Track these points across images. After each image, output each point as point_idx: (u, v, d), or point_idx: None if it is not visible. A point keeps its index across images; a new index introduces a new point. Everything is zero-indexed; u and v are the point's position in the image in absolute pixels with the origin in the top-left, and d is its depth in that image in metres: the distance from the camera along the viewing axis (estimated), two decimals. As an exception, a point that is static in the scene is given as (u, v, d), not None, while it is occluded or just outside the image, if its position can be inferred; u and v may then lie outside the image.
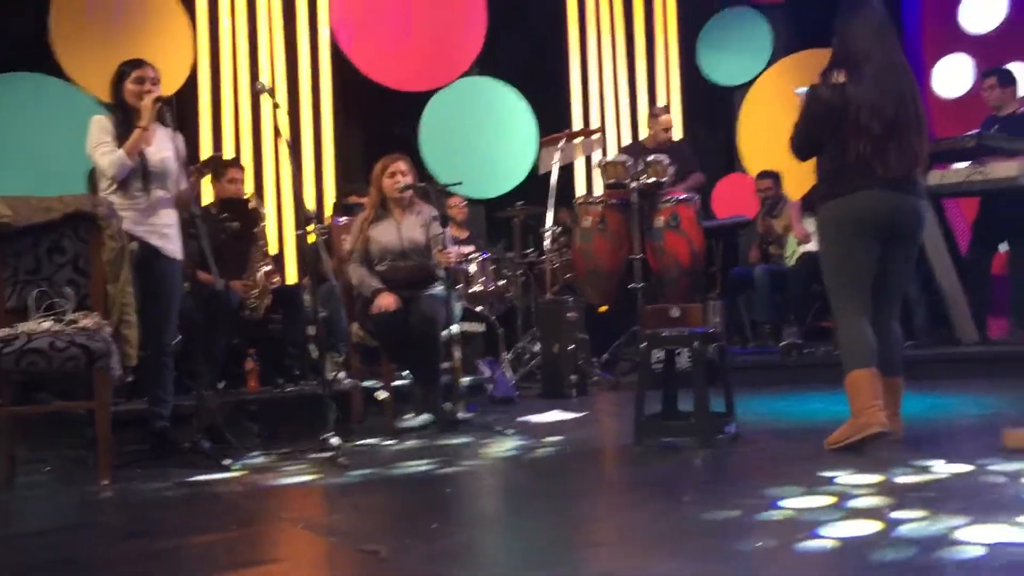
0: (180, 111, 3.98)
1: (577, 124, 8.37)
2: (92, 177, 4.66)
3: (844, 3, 3.61)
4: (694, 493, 2.86)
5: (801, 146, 3.64)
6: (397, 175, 4.68)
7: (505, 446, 3.93)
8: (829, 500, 2.57)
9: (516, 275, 6.75)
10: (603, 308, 6.71)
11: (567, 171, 7.77)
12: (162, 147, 3.93)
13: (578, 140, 7.21)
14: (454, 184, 6.52)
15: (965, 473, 2.85)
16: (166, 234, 3.96)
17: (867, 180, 3.41)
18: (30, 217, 3.57)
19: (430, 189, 4.78)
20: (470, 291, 6.21)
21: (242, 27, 7.17)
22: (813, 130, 3.56)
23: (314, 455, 3.72)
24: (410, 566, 2.15)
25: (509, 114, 8.05)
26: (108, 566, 2.38)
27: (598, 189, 7.52)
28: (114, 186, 3.86)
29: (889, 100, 3.40)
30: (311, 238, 4.08)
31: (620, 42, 8.77)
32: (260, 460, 3.77)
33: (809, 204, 6.66)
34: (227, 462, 3.62)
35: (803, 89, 3.79)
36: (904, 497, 2.55)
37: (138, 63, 3.97)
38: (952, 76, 7.79)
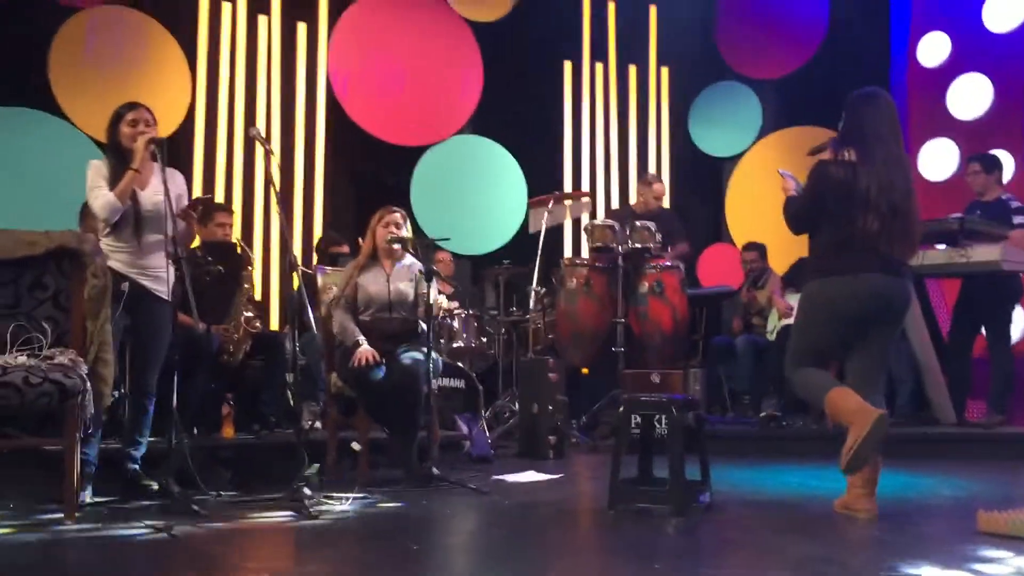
0: (174, 153, 4.03)
1: (567, 186, 8.47)
2: (83, 213, 4.69)
3: (860, 90, 3.71)
4: (665, 560, 2.83)
5: (800, 219, 3.71)
6: (391, 226, 4.72)
7: (478, 504, 3.89)
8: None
9: (499, 333, 6.75)
10: (585, 370, 6.71)
11: (555, 232, 7.83)
12: (158, 191, 3.91)
13: (567, 202, 7.28)
14: (443, 239, 6.57)
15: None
16: (157, 276, 3.97)
17: (872, 261, 3.50)
18: (14, 250, 3.57)
19: (416, 243, 4.81)
20: (452, 346, 6.20)
21: (240, 73, 7.25)
22: (817, 205, 3.61)
23: (285, 504, 3.68)
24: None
25: (500, 173, 8.14)
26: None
27: (585, 252, 7.56)
28: (107, 230, 3.87)
29: (896, 186, 3.51)
30: (295, 286, 4.09)
31: (613, 108, 8.92)
32: (230, 506, 3.71)
33: (790, 279, 6.73)
34: (196, 507, 3.57)
35: (786, 172, 3.89)
36: None
37: (133, 106, 4.01)
38: (937, 160, 7.92)
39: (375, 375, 4.41)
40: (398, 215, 4.78)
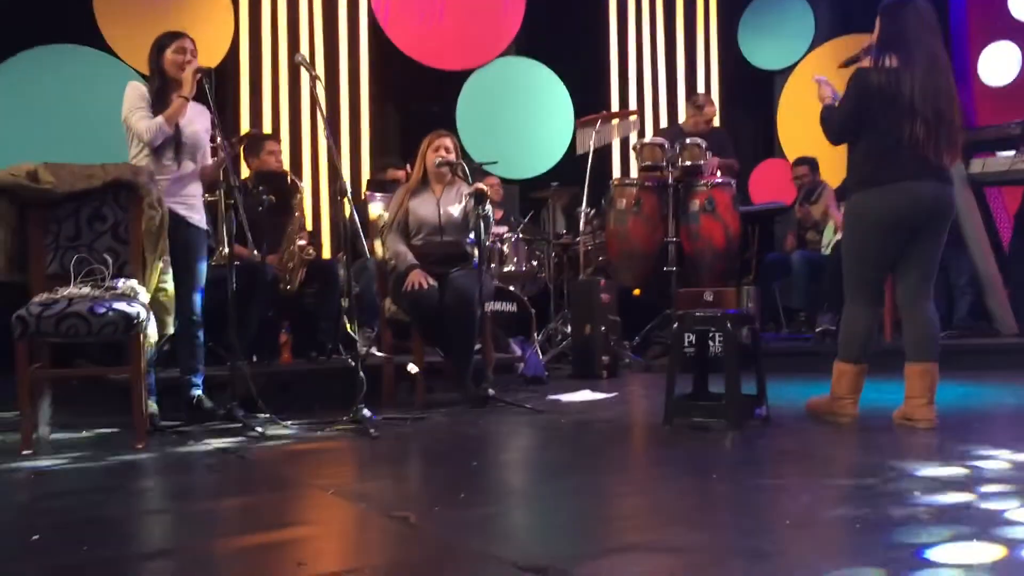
0: (219, 84, 4.04)
1: (614, 105, 8.34)
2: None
3: None
4: (722, 471, 2.85)
5: (841, 130, 3.65)
6: (441, 150, 4.72)
7: (535, 423, 3.94)
8: (867, 480, 2.55)
9: (550, 256, 6.74)
10: (636, 291, 6.69)
11: (604, 152, 7.74)
12: (194, 120, 4.02)
13: (615, 121, 7.18)
14: (490, 163, 6.54)
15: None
16: (192, 204, 4.06)
17: (915, 168, 3.44)
18: (72, 184, 3.62)
19: (463, 168, 4.79)
20: (503, 270, 6.22)
21: (282, 3, 7.20)
22: (858, 113, 3.54)
23: (345, 426, 3.76)
24: (438, 534, 2.17)
25: (546, 95, 8.03)
26: (139, 527, 2.42)
27: (634, 171, 7.48)
28: (145, 152, 3.91)
29: (940, 92, 3.44)
30: (347, 212, 4.11)
31: (660, 24, 8.71)
32: (292, 429, 3.81)
33: (843, 192, 6.60)
34: (260, 430, 3.67)
35: (823, 77, 3.79)
36: (933, 483, 2.53)
37: (177, 35, 4.03)
38: (998, 64, 7.64)
39: (429, 298, 4.44)
40: (447, 139, 4.77)
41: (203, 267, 4.07)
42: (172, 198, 3.94)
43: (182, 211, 3.99)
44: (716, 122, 7.20)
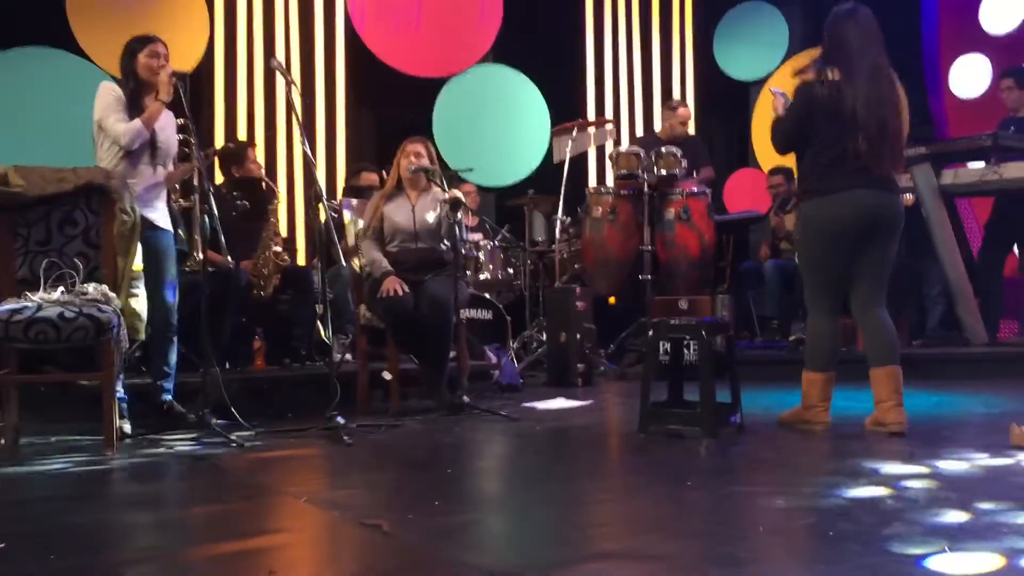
0: (194, 89, 4.01)
1: (591, 114, 8.37)
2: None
3: (838, 6, 3.69)
4: (697, 478, 2.85)
5: (785, 141, 3.74)
6: (411, 156, 4.71)
7: (509, 431, 3.93)
8: (840, 487, 2.56)
9: (525, 263, 6.75)
10: (611, 299, 6.71)
11: (580, 161, 7.76)
12: (166, 126, 4.02)
13: (591, 130, 7.20)
14: (466, 170, 6.54)
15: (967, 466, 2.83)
16: (158, 207, 4.05)
17: (859, 179, 3.51)
18: (43, 188, 3.59)
19: (438, 173, 4.78)
20: (479, 278, 6.21)
21: (258, 7, 7.17)
22: (802, 126, 3.62)
23: (320, 433, 3.73)
24: (412, 542, 2.15)
25: (523, 103, 8.05)
26: (111, 534, 2.39)
27: (610, 180, 7.51)
28: (118, 155, 3.87)
29: (884, 102, 3.51)
30: (322, 218, 4.09)
31: (636, 33, 8.76)
32: (265, 436, 3.77)
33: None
34: (232, 437, 3.63)
35: (778, 89, 3.86)
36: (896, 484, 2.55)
37: (150, 38, 4.01)
38: (969, 76, 7.74)
39: (404, 305, 4.43)
40: (420, 145, 4.77)
41: (173, 269, 4.05)
42: (141, 202, 3.90)
43: (149, 214, 3.96)
44: (691, 130, 7.23)
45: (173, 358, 4.04)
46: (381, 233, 4.71)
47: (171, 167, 4.10)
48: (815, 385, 3.65)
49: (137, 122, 3.83)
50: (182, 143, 4.12)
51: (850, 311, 3.72)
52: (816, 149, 3.59)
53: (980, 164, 5.81)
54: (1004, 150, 5.70)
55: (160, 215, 4.04)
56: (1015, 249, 6.14)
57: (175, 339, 4.03)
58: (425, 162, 4.71)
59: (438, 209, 4.70)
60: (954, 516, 2.21)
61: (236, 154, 5.27)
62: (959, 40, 7.82)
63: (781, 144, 3.76)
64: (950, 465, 2.85)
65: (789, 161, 6.93)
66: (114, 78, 4.20)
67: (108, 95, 3.91)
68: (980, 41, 7.73)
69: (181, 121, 4.04)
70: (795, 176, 6.85)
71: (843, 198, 3.52)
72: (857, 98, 3.47)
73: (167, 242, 4.05)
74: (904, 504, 2.35)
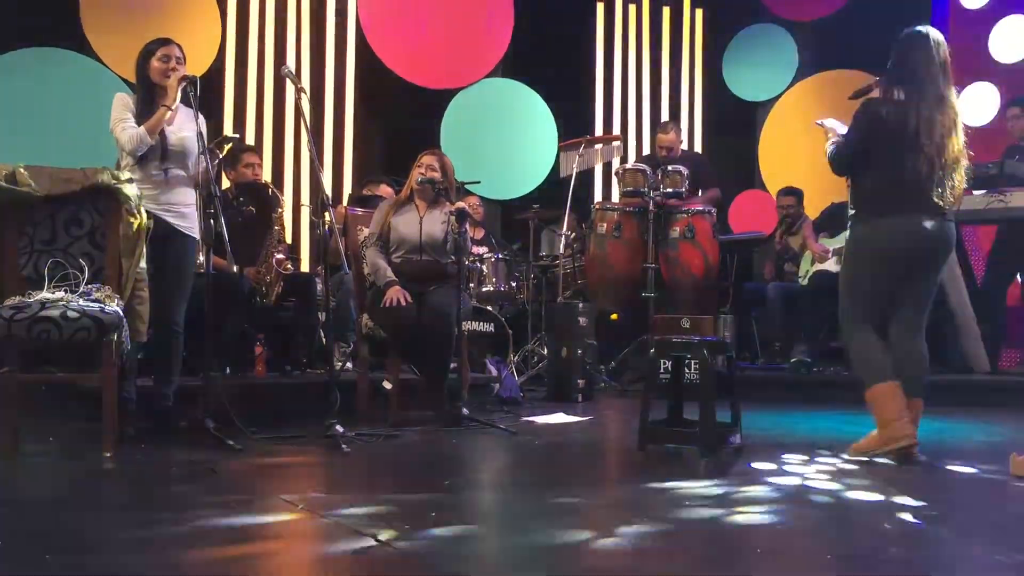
0: (204, 93, 4.00)
1: (598, 130, 8.39)
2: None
3: (912, 28, 3.62)
4: (695, 498, 2.84)
5: (849, 162, 3.61)
6: (424, 168, 4.71)
7: (508, 444, 3.93)
8: (839, 508, 2.56)
9: (528, 277, 6.75)
10: (614, 315, 6.70)
11: (586, 176, 7.77)
12: (183, 127, 3.95)
13: (598, 146, 7.21)
14: (472, 183, 6.55)
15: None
16: (183, 212, 3.98)
17: (918, 203, 3.44)
18: (50, 188, 3.58)
19: (447, 186, 4.78)
20: (482, 290, 6.21)
21: (270, 14, 7.21)
22: (866, 145, 3.53)
23: (318, 441, 3.73)
24: (407, 553, 2.15)
25: (531, 117, 8.07)
26: (105, 536, 2.38)
27: (616, 196, 7.52)
28: (132, 162, 3.87)
29: (946, 128, 3.44)
30: (326, 225, 4.09)
31: (646, 51, 8.79)
32: (263, 443, 3.77)
33: (822, 224, 6.65)
34: (230, 442, 3.62)
35: (827, 121, 3.79)
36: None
37: (165, 41, 3.99)
38: (977, 104, 7.75)
39: (406, 315, 4.43)
40: (434, 158, 4.77)
41: (190, 276, 4.01)
42: (160, 206, 3.89)
43: (170, 219, 3.93)
44: (699, 148, 7.21)
45: (177, 364, 4.03)
46: (387, 242, 4.71)
47: (201, 166, 3.96)
48: (887, 397, 3.44)
49: (141, 129, 3.82)
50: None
51: (887, 335, 3.60)
52: (875, 170, 3.52)
53: (985, 192, 5.80)
54: (1010, 178, 5.71)
55: (182, 219, 3.96)
56: (1019, 278, 6.13)
57: (179, 344, 4.02)
58: (436, 175, 4.70)
59: (447, 224, 4.69)
60: (938, 537, 2.20)
61: (230, 155, 5.24)
62: (968, 68, 7.83)
63: (845, 166, 3.63)
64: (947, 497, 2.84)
65: (796, 183, 7.00)
66: (128, 83, 4.20)
67: (118, 103, 3.90)
68: (989, 70, 7.75)
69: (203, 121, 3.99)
70: (803, 199, 6.92)
71: (901, 222, 3.46)
72: (921, 122, 3.42)
73: (186, 248, 3.97)
74: (899, 526, 2.34)
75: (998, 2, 7.80)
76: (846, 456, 3.52)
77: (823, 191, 6.71)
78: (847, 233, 6.10)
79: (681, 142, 7.04)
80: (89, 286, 3.52)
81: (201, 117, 4.01)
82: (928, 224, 3.46)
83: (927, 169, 3.42)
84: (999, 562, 2.08)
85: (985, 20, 7.82)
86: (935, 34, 3.59)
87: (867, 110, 3.57)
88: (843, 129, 3.72)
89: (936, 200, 3.45)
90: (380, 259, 4.65)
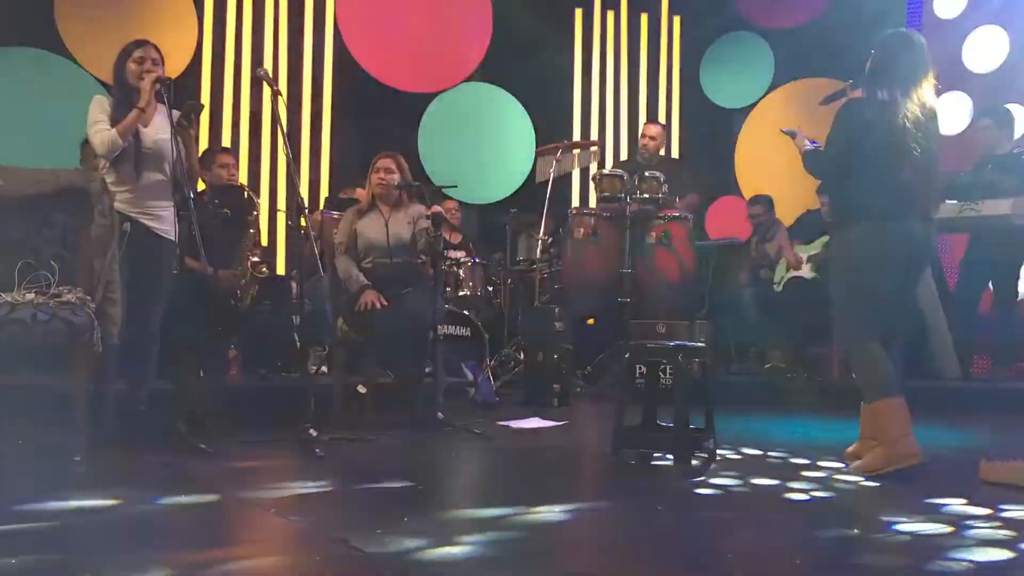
0: (180, 95, 3.95)
1: (576, 135, 8.42)
2: (84, 150, 4.65)
3: (896, 30, 3.60)
4: (668, 503, 2.85)
5: (832, 166, 3.50)
6: (381, 171, 4.72)
7: (483, 448, 3.92)
8: (811, 514, 2.57)
9: (505, 282, 6.75)
10: (590, 320, 6.71)
11: (563, 181, 7.79)
12: (159, 129, 3.90)
13: (576, 151, 7.23)
14: (449, 187, 6.54)
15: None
16: (159, 215, 3.93)
17: (906, 207, 3.35)
18: (22, 188, 3.55)
19: (412, 187, 4.77)
20: (458, 294, 6.21)
21: (248, 15, 7.18)
22: (849, 146, 3.40)
23: (292, 444, 3.71)
24: (378, 557, 2.14)
25: (509, 121, 8.07)
26: (71, 540, 2.36)
27: (593, 201, 7.53)
28: (107, 165, 3.84)
29: (929, 132, 3.38)
30: (302, 229, 4.08)
31: (624, 58, 8.83)
32: (236, 446, 3.74)
33: (797, 231, 6.69)
34: (202, 446, 3.60)
35: (788, 129, 3.77)
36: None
37: (141, 43, 3.95)
38: (950, 113, 7.83)
39: (380, 319, 4.42)
40: (389, 160, 4.76)
41: (167, 280, 3.95)
42: (136, 209, 3.85)
43: (147, 221, 3.88)
44: (676, 154, 7.25)
45: (152, 368, 4.00)
46: (355, 250, 4.69)
47: (167, 170, 3.92)
48: (895, 412, 3.28)
49: (112, 132, 3.78)
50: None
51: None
52: (859, 172, 3.38)
53: (956, 201, 5.85)
54: (982, 187, 5.76)
55: (159, 222, 3.91)
56: (990, 285, 6.20)
57: (154, 348, 3.98)
58: (396, 178, 4.70)
59: (412, 224, 4.68)
60: (921, 541, 2.22)
61: (203, 156, 5.21)
62: (941, 77, 7.88)
63: (829, 170, 3.56)
64: (918, 502, 2.86)
65: (770, 189, 7.04)
66: (105, 84, 4.16)
67: (94, 106, 3.85)
68: (962, 79, 7.83)
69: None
70: (774, 205, 6.97)
71: (894, 227, 3.35)
72: (906, 124, 3.33)
73: (162, 251, 3.91)
74: (873, 532, 2.35)
75: (972, 12, 7.88)
76: (846, 467, 3.42)
77: (797, 196, 6.77)
78: (823, 239, 6.11)
79: (664, 142, 7.09)
80: (60, 288, 3.49)
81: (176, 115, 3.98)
82: (919, 227, 3.38)
83: (917, 173, 3.34)
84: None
85: (959, 30, 7.90)
86: (920, 38, 3.53)
87: (850, 110, 3.46)
88: (808, 141, 3.65)
89: (921, 203, 3.39)
90: (351, 265, 4.64)
